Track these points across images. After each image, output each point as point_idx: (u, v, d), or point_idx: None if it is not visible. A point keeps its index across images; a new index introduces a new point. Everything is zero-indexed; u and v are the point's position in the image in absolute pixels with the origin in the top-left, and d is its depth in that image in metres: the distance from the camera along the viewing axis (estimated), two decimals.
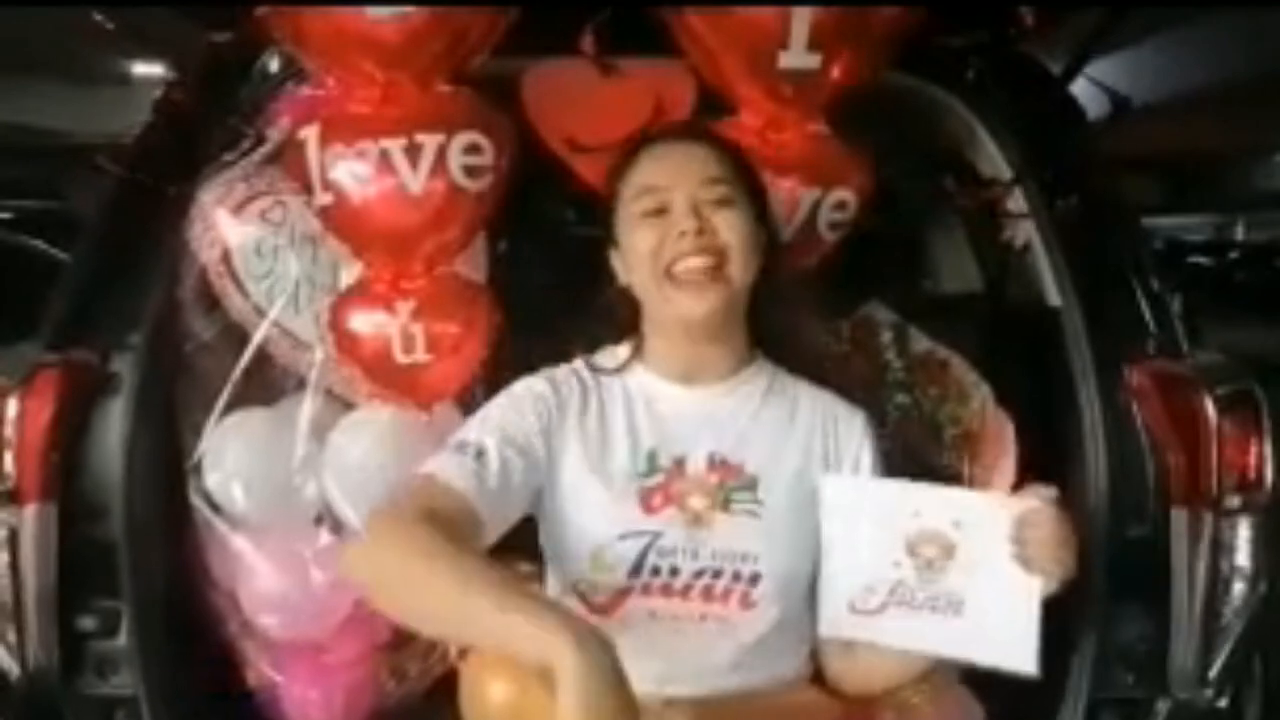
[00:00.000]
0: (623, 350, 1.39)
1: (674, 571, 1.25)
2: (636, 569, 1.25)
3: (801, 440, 1.34)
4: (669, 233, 1.28)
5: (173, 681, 1.57)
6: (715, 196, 1.29)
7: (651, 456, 1.30)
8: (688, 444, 1.31)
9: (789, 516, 1.29)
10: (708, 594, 1.25)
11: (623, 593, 1.25)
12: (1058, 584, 1.19)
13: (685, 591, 1.25)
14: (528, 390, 1.34)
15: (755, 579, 1.26)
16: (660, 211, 1.29)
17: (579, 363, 1.39)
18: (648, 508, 1.27)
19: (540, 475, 1.29)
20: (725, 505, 1.28)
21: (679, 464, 1.30)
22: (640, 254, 1.30)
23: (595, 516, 1.27)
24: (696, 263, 1.27)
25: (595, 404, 1.34)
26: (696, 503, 1.28)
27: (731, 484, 1.29)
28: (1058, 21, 1.71)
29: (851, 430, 1.36)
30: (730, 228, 1.28)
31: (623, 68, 1.59)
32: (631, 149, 1.36)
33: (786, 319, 1.40)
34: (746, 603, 1.26)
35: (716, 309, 1.29)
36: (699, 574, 1.25)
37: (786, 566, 1.28)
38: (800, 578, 1.30)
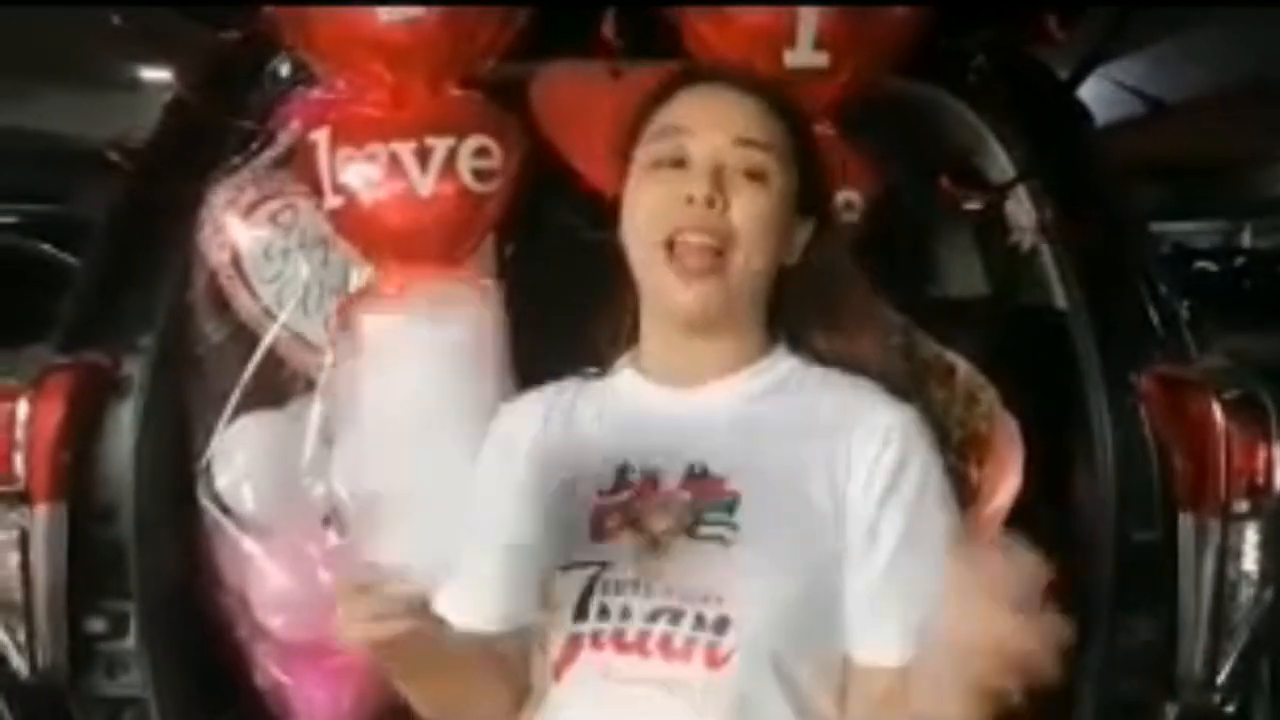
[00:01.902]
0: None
1: (625, 614, 1.01)
2: (582, 609, 1.03)
3: (817, 451, 1.06)
4: (679, 194, 1.05)
5: (181, 683, 1.57)
6: (746, 164, 1.06)
7: (622, 472, 1.09)
8: (667, 455, 1.08)
9: (773, 546, 1.02)
10: (666, 647, 0.99)
11: (573, 644, 1.03)
12: None
13: (641, 643, 1.00)
14: (495, 460, 1.19)
15: (722, 626, 0.99)
16: (678, 164, 1.07)
17: (568, 380, 1.21)
18: (598, 531, 1.06)
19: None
20: (691, 529, 1.04)
21: (651, 479, 1.07)
22: (642, 215, 1.08)
23: (542, 543, 1.09)
24: (695, 240, 1.04)
25: (558, 419, 1.16)
26: (657, 524, 1.04)
27: (706, 503, 1.05)
28: (1070, 25, 1.71)
29: (871, 434, 1.06)
30: (749, 208, 1.05)
31: (632, 72, 1.60)
32: (666, 82, 1.13)
33: (831, 303, 1.16)
34: (714, 659, 0.99)
35: (710, 299, 1.06)
36: (654, 616, 1.00)
37: (767, 612, 1.00)
38: (790, 629, 1.01)
